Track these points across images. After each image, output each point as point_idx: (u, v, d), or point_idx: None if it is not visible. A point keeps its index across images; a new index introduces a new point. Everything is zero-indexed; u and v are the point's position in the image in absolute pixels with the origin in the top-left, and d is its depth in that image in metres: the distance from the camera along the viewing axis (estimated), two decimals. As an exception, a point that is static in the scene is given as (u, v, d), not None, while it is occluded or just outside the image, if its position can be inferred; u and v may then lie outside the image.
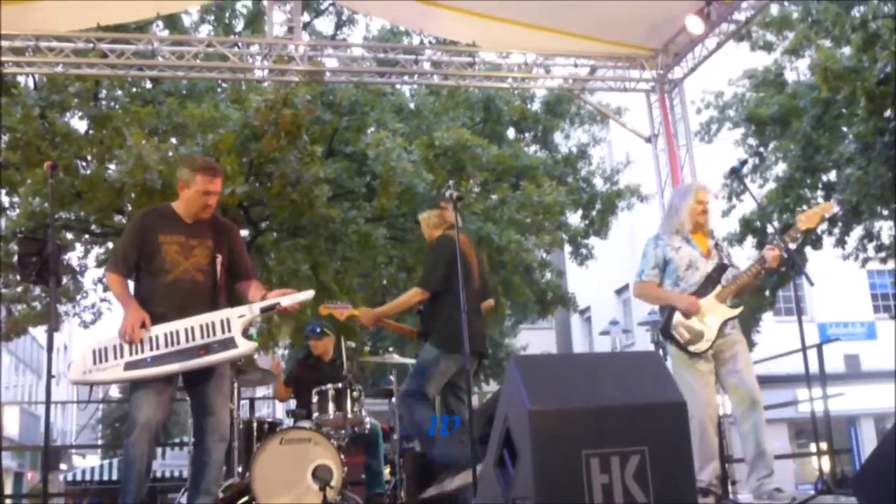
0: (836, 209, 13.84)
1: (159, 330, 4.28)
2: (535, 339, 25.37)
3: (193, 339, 4.28)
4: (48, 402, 4.27)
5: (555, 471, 2.91)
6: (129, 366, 4.20)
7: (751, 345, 13.87)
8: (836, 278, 17.36)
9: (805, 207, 12.98)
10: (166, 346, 4.24)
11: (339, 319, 6.63)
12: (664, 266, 5.06)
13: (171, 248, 4.42)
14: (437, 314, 5.25)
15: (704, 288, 4.92)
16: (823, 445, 6.70)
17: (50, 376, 4.30)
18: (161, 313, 4.33)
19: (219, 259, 4.51)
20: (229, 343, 4.30)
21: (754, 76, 15.29)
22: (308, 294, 4.62)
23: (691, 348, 4.83)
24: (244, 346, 4.35)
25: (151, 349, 4.23)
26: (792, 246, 4.78)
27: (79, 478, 21.39)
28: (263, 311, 4.44)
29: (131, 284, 4.54)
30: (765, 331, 15.52)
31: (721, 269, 4.96)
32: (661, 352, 5.59)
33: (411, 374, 5.36)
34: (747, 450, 4.79)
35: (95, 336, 4.52)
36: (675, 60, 9.34)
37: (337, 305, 5.93)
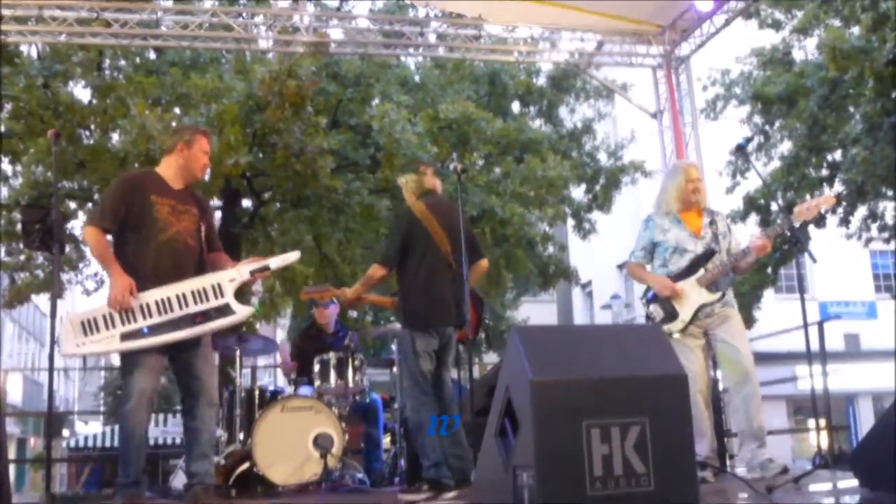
0: (841, 188, 13.83)
1: (149, 297, 4.20)
2: (536, 312, 25.41)
3: (187, 305, 4.24)
4: (51, 370, 4.30)
5: (555, 441, 2.93)
6: (126, 336, 4.17)
7: (752, 321, 13.90)
8: (838, 257, 17.34)
9: (807, 197, 12.96)
10: (160, 314, 4.19)
11: (321, 302, 6.69)
12: (652, 248, 5.10)
13: (163, 208, 4.36)
14: (400, 290, 5.18)
15: (687, 271, 4.95)
16: (822, 422, 6.74)
17: (53, 343, 4.32)
18: (154, 274, 4.26)
19: (202, 228, 4.52)
20: (226, 309, 4.30)
21: (762, 54, 15.18)
22: (294, 255, 4.75)
23: (664, 328, 4.85)
24: (241, 312, 4.35)
25: (144, 318, 4.18)
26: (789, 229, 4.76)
27: (81, 444, 21.51)
28: (253, 273, 4.45)
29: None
30: (766, 308, 15.53)
31: (707, 255, 4.96)
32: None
33: (403, 372, 5.24)
34: (739, 422, 4.84)
35: (78, 309, 4.49)
36: (682, 37, 9.28)
37: (317, 289, 5.97)
